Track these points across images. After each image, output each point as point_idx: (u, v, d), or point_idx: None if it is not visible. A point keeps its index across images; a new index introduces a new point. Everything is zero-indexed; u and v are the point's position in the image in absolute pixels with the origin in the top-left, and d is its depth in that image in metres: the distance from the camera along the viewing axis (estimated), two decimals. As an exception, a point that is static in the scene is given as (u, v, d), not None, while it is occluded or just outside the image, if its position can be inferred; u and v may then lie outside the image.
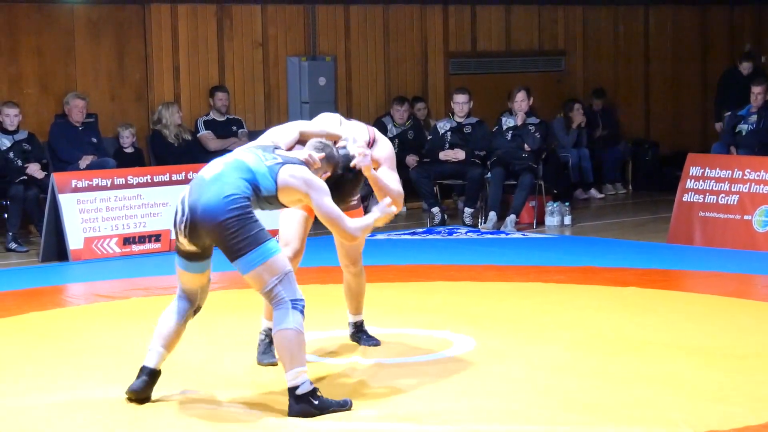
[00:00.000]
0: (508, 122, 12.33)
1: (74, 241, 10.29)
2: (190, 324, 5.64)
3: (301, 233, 6.17)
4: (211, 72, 13.35)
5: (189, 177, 10.91)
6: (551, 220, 12.05)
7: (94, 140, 12.05)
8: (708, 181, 10.62)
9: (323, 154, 5.55)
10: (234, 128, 13.00)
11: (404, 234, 11.55)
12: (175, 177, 10.86)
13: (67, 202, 10.32)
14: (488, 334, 6.91)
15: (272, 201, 5.42)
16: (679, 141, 16.24)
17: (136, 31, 12.95)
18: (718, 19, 17.11)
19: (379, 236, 11.27)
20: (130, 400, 5.53)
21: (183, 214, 5.34)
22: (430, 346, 6.64)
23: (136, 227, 10.58)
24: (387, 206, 5.60)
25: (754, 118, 12.26)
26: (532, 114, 12.38)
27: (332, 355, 6.44)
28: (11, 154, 11.34)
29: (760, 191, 10.24)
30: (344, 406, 5.34)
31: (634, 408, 5.34)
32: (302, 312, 5.29)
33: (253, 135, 12.99)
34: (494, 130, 12.43)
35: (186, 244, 5.38)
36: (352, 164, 5.68)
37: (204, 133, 12.84)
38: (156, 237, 10.60)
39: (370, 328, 6.78)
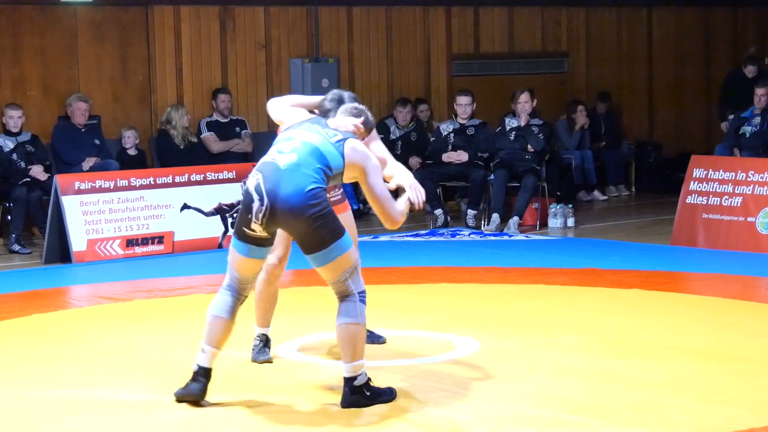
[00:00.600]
0: (511, 124, 12.32)
1: (77, 242, 10.29)
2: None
3: (285, 238, 6.17)
4: (214, 74, 13.35)
5: (192, 179, 10.93)
6: (554, 222, 12.04)
7: (97, 142, 12.05)
8: (711, 183, 10.61)
9: (363, 118, 5.75)
10: (237, 130, 12.98)
11: (407, 236, 11.55)
12: (178, 179, 10.86)
13: (70, 204, 10.32)
14: (491, 336, 6.92)
15: (337, 178, 5.50)
16: (683, 143, 16.24)
17: (138, 33, 12.95)
18: (721, 20, 17.09)
19: (382, 238, 11.27)
20: (181, 401, 5.49)
21: (262, 204, 5.34)
22: (433, 348, 6.65)
23: (139, 229, 10.56)
24: (405, 203, 5.70)
25: (757, 119, 12.24)
26: (535, 116, 12.39)
27: (336, 357, 6.43)
28: (14, 156, 11.36)
29: (764, 193, 10.22)
30: (390, 395, 5.51)
31: (638, 410, 5.34)
32: (365, 303, 5.47)
33: (255, 137, 13.01)
34: (497, 131, 12.43)
35: (260, 231, 5.40)
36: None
37: (207, 135, 12.82)
38: (159, 239, 10.57)
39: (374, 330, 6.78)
